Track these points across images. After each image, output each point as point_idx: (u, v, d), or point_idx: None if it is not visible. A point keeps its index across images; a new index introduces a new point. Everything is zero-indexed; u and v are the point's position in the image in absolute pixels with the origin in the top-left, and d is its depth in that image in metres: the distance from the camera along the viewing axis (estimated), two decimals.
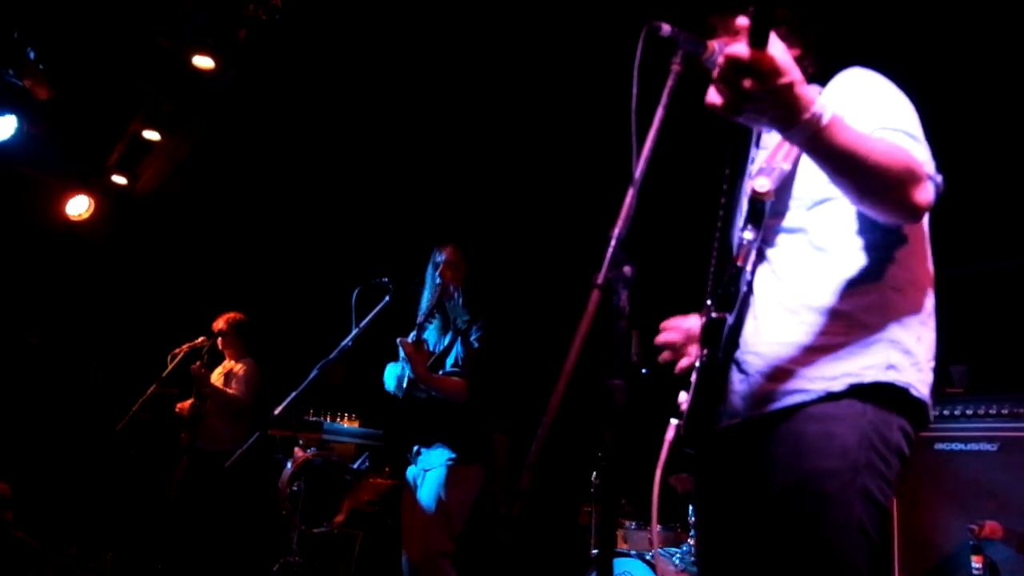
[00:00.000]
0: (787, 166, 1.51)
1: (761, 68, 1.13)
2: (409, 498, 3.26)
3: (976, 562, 2.87)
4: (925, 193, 1.31)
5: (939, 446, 3.20)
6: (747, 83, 1.14)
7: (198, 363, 4.92)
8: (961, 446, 3.16)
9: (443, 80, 4.61)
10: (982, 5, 3.41)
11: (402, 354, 3.17)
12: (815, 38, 1.74)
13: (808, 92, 1.19)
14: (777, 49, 1.13)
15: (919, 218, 1.37)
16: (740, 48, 1.13)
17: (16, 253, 6.10)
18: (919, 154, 1.34)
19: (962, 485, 3.08)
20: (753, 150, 1.72)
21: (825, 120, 1.20)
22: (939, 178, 1.38)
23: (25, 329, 6.21)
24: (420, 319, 3.28)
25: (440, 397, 3.19)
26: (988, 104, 3.76)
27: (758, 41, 1.11)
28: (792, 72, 1.15)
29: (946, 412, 3.22)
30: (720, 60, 1.16)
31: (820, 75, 1.67)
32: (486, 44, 4.25)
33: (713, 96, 1.22)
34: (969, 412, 3.19)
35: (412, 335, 3.25)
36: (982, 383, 3.39)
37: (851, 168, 1.26)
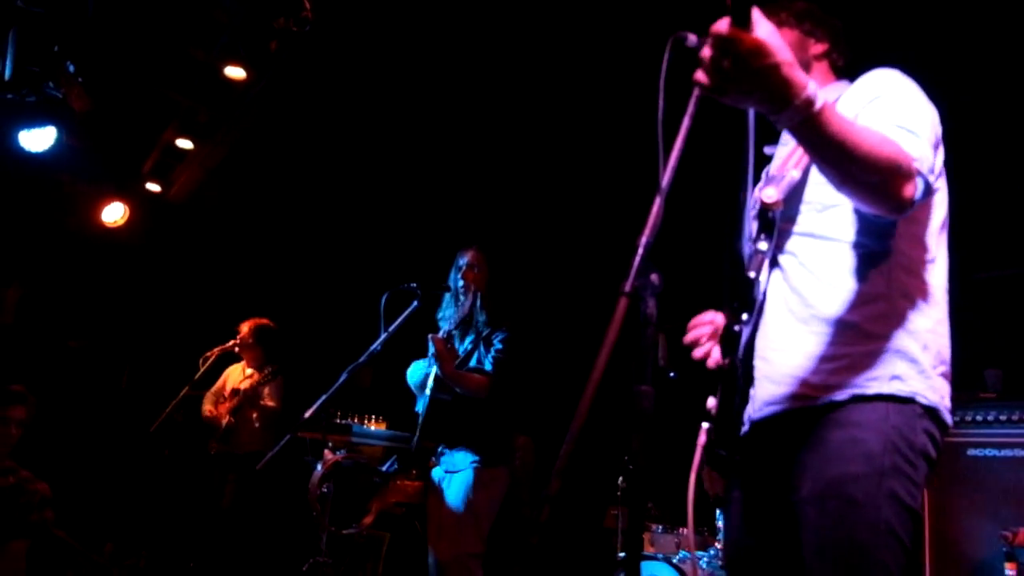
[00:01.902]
0: (797, 174, 1.52)
1: (740, 48, 1.11)
2: (435, 499, 3.30)
3: (1009, 569, 2.83)
4: (910, 188, 1.30)
5: (972, 452, 3.16)
6: (726, 63, 1.13)
7: (249, 385, 4.98)
8: (994, 452, 3.12)
9: (471, 89, 4.65)
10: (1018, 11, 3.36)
11: (432, 350, 3.19)
12: (842, 28, 1.73)
13: (801, 77, 1.17)
14: (763, 30, 1.12)
15: (901, 212, 1.35)
16: (722, 25, 1.12)
17: (55, 259, 6.26)
18: (913, 149, 1.33)
19: (995, 491, 3.04)
20: (775, 146, 1.72)
21: (817, 106, 1.19)
22: (932, 178, 1.37)
23: (64, 333, 6.36)
24: (450, 325, 3.30)
25: (463, 394, 3.22)
26: (1022, 109, 3.70)
27: (739, 20, 1.10)
28: (780, 54, 1.13)
29: (979, 417, 3.17)
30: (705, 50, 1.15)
31: (850, 69, 1.66)
32: (514, 55, 4.29)
33: (699, 74, 1.20)
34: (1003, 418, 3.14)
35: (442, 332, 3.29)
36: (1016, 388, 3.34)
37: (839, 155, 1.24)
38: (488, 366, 3.28)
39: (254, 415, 5.02)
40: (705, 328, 1.70)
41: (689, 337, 1.70)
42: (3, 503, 3.61)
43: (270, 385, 5.11)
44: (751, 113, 1.48)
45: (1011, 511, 2.96)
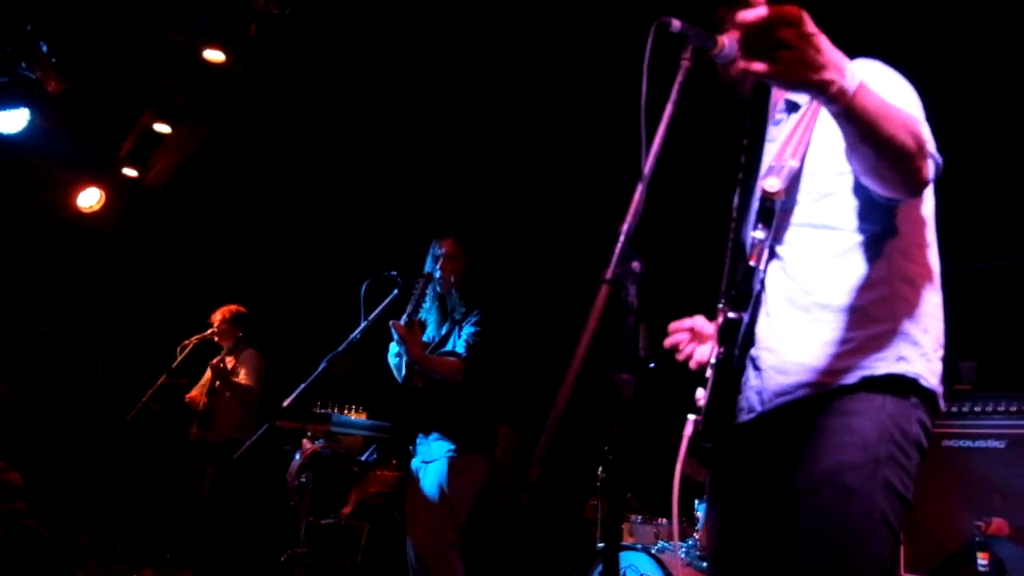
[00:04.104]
0: (795, 163, 1.51)
1: (791, 16, 1.11)
2: (412, 489, 3.27)
3: (982, 559, 2.87)
4: (927, 169, 1.32)
5: (947, 443, 3.19)
6: (785, 33, 1.11)
7: (217, 359, 4.95)
8: (969, 443, 3.15)
9: (451, 74, 4.61)
10: (994, 3, 3.39)
11: (396, 337, 3.15)
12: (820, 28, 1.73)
13: (837, 51, 1.17)
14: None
15: (919, 193, 1.36)
16: (759, 10, 1.11)
17: (28, 244, 6.15)
18: (924, 131, 1.34)
19: (969, 482, 3.07)
20: (767, 143, 1.71)
21: (859, 79, 1.19)
22: (939, 158, 1.38)
23: (37, 319, 6.26)
24: (410, 307, 3.23)
25: (436, 378, 3.17)
26: (999, 101, 3.74)
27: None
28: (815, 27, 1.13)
29: (954, 409, 3.21)
30: (745, 26, 1.12)
31: None
32: (496, 38, 4.25)
33: (755, 64, 1.15)
34: (977, 409, 3.18)
35: (403, 318, 3.22)
36: (990, 380, 3.38)
37: (877, 132, 1.23)
38: (461, 349, 3.24)
39: (229, 395, 4.97)
40: (683, 335, 1.69)
41: (669, 342, 1.70)
42: None
43: (245, 364, 5.06)
44: (772, 93, 1.45)
45: (984, 501, 3.00)
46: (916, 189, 1.34)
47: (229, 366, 5.10)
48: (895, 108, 1.27)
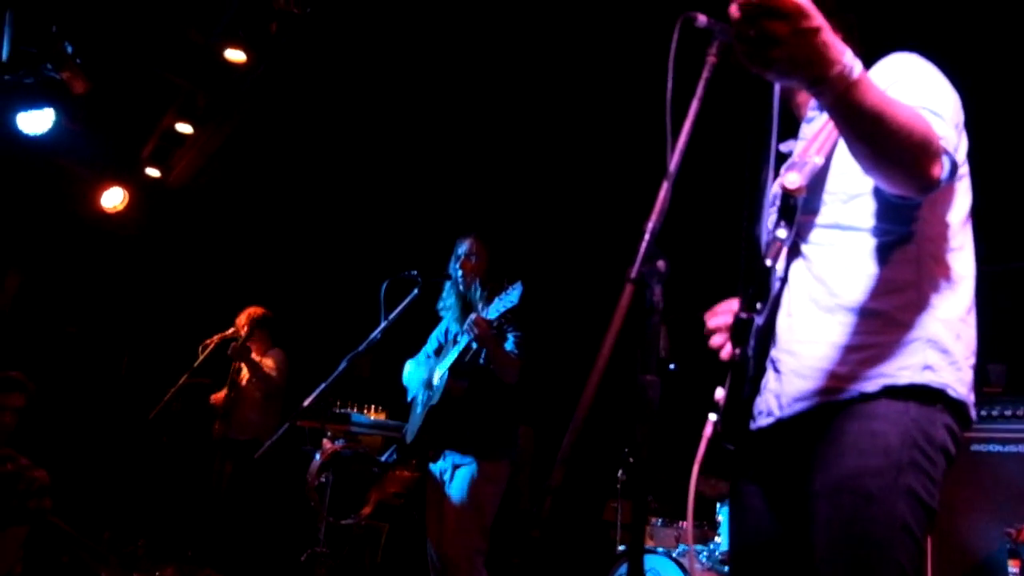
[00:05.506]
0: (820, 160, 1.47)
1: (785, 7, 1.08)
2: (435, 493, 3.25)
3: (1013, 566, 2.81)
4: (937, 167, 1.27)
5: (976, 447, 3.13)
6: (773, 25, 1.09)
7: (235, 343, 4.97)
8: (999, 447, 3.09)
9: (473, 72, 4.60)
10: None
11: (474, 332, 3.06)
12: (856, 22, 1.70)
13: (838, 42, 1.14)
14: None
15: (929, 192, 1.32)
16: None
17: (53, 244, 6.23)
18: (939, 128, 1.30)
19: (999, 487, 3.01)
20: (790, 142, 1.68)
21: (856, 75, 1.16)
22: (957, 158, 1.34)
23: (62, 319, 6.34)
24: (498, 316, 3.17)
25: (500, 372, 3.15)
26: None
27: None
28: (818, 17, 1.10)
29: (983, 412, 3.15)
30: (734, 10, 1.11)
31: (863, 61, 1.63)
32: (520, 35, 4.23)
33: (739, 52, 1.16)
34: (1007, 413, 3.11)
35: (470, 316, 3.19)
36: (1021, 383, 3.31)
37: (875, 130, 1.21)
38: (514, 348, 3.20)
39: (253, 382, 5.02)
40: (726, 317, 1.64)
41: (712, 324, 1.64)
42: (1, 490, 3.59)
43: (271, 358, 5.10)
44: (776, 90, 1.43)
45: (1015, 507, 2.94)
46: (923, 188, 1.30)
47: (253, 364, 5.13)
48: (899, 104, 1.23)
